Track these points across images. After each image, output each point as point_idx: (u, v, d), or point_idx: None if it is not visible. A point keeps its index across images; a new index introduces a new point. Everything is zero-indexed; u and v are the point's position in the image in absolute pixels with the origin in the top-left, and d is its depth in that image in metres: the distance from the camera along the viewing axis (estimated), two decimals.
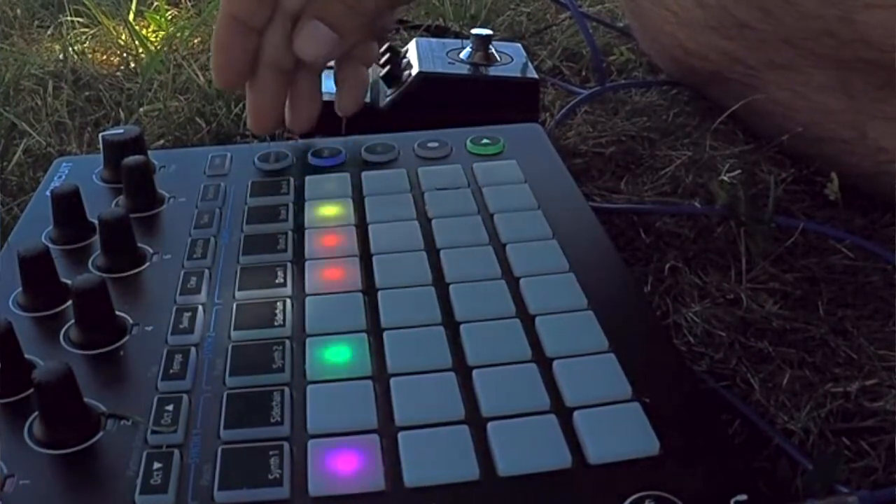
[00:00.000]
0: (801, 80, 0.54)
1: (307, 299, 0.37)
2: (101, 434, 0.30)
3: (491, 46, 0.59)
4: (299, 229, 0.42)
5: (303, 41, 0.45)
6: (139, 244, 0.40)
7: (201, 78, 0.68)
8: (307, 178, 0.47)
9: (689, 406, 0.32)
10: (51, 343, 0.35)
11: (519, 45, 0.63)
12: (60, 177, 0.48)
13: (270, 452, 0.29)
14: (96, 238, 0.41)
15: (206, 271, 0.39)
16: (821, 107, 0.53)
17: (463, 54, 0.59)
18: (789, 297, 0.45)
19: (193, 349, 0.34)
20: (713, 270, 0.46)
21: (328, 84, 0.59)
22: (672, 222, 0.51)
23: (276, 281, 0.38)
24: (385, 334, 0.35)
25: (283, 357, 0.33)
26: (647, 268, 0.47)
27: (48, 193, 0.43)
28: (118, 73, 0.73)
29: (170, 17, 0.85)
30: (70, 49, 0.76)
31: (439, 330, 0.35)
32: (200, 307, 0.37)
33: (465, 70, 0.58)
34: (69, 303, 0.36)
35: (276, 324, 0.35)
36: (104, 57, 0.77)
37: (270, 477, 0.28)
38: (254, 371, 0.33)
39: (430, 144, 0.49)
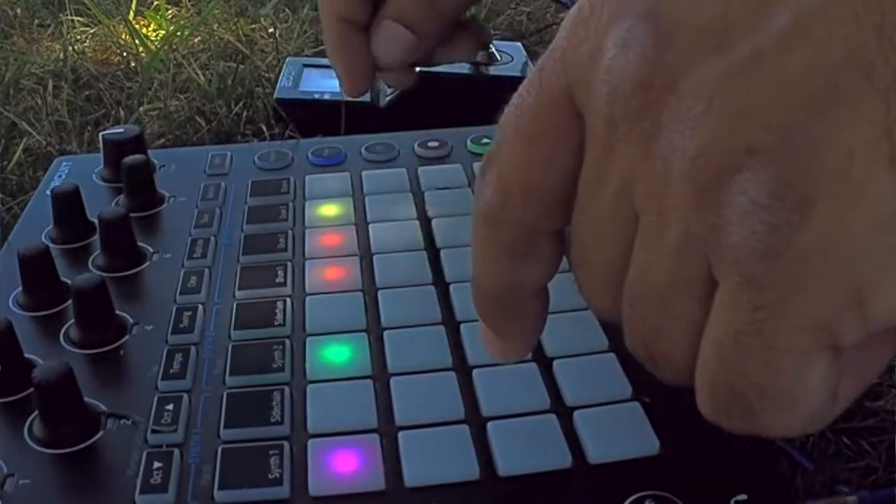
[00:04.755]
0: None
1: (307, 299, 0.37)
2: (100, 433, 0.30)
3: (491, 46, 0.59)
4: (299, 229, 0.42)
5: (378, 43, 0.41)
6: (139, 244, 0.40)
7: (201, 77, 0.68)
8: (307, 178, 0.47)
9: (689, 406, 0.32)
10: (51, 342, 0.35)
11: (519, 44, 0.63)
12: (60, 176, 0.48)
13: (270, 452, 0.29)
14: (96, 237, 0.41)
15: (206, 271, 0.39)
16: None
17: None
18: None
19: (193, 348, 0.34)
20: None
21: (331, 84, 0.59)
22: None
23: (276, 280, 0.38)
24: (385, 334, 0.35)
25: (284, 356, 0.33)
26: None
27: (48, 193, 0.43)
28: (118, 73, 0.72)
29: (170, 16, 0.85)
30: (70, 48, 0.76)
31: (439, 330, 0.35)
32: (200, 306, 0.37)
33: (465, 70, 0.58)
34: (69, 302, 0.36)
35: (276, 323, 0.35)
36: (104, 56, 0.77)
37: (270, 476, 0.28)
38: (254, 370, 0.33)
39: (430, 144, 0.49)
